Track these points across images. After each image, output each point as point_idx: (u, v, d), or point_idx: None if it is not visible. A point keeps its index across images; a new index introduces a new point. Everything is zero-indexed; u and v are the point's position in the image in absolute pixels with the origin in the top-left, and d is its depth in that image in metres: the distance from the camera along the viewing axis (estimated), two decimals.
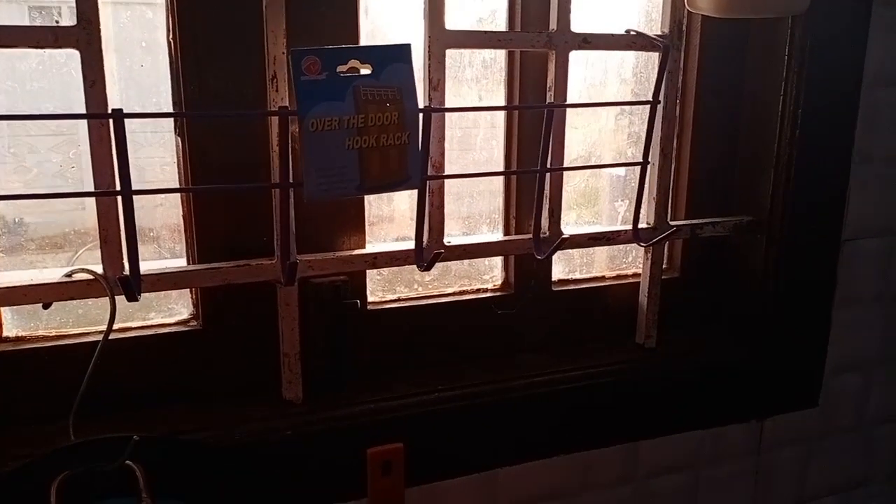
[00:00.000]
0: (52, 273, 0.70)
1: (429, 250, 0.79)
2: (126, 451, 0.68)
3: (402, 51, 0.67)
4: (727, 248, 1.01)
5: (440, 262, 0.80)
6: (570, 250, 0.97)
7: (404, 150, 0.69)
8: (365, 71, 0.66)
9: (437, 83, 0.74)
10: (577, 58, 0.91)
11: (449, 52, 0.81)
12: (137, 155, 0.81)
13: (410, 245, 0.78)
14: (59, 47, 0.63)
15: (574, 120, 0.91)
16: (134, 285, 0.65)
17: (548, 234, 0.85)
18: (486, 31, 0.75)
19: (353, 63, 0.66)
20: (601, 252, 1.02)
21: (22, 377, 0.74)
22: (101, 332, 0.77)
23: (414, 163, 0.69)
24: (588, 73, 0.91)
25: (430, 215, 0.79)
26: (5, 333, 0.75)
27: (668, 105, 0.85)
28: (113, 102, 0.65)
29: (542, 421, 0.88)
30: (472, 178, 0.87)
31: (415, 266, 0.89)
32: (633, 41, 0.80)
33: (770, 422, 1.02)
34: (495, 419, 0.86)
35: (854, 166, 0.94)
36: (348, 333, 0.83)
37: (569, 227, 0.88)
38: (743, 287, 1.00)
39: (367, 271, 0.86)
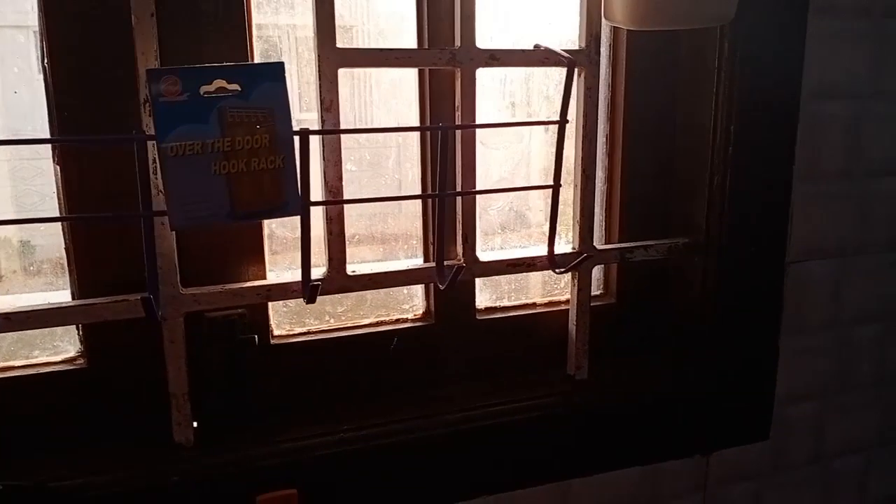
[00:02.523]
0: None
1: (329, 280, 0.75)
2: None
3: (275, 69, 0.62)
4: (666, 272, 0.96)
5: (338, 293, 0.76)
6: (497, 277, 0.92)
7: (279, 175, 0.64)
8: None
9: (329, 104, 0.70)
10: (497, 75, 0.87)
11: (354, 72, 0.77)
12: (25, 185, 0.77)
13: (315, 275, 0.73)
14: None
15: (493, 140, 0.86)
16: None
17: (462, 260, 0.80)
18: (381, 49, 0.71)
19: (220, 83, 0.61)
20: (535, 277, 0.97)
21: None
22: None
23: (291, 188, 0.65)
24: (510, 90, 0.87)
25: (330, 243, 0.74)
26: None
27: (588, 124, 0.80)
28: None
29: (462, 461, 0.82)
30: (363, 202, 0.82)
31: (327, 297, 0.84)
32: (544, 57, 0.75)
33: (717, 456, 0.95)
34: (410, 461, 0.80)
35: (797, 183, 0.89)
36: (245, 370, 0.78)
37: (488, 253, 0.83)
38: (683, 314, 0.94)
39: (271, 304, 0.81)
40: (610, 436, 0.89)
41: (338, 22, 0.69)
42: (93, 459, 0.72)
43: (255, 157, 0.63)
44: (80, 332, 0.76)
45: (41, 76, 0.68)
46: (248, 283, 0.73)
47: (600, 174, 0.92)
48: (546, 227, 0.91)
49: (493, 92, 0.86)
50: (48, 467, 0.70)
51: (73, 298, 0.73)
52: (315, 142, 0.72)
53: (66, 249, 0.73)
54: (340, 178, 0.72)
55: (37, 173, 0.75)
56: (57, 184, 0.71)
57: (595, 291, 0.97)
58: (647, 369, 0.93)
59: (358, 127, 0.82)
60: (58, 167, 0.71)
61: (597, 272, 0.98)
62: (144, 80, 0.64)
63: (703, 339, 0.92)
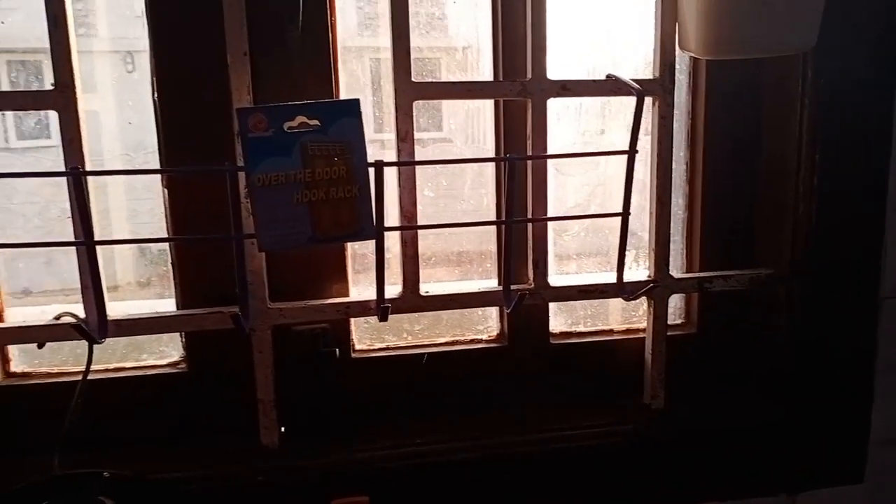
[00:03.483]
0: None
1: (403, 300, 0.79)
2: (96, 488, 0.72)
3: (351, 106, 0.67)
4: (751, 304, 0.93)
5: (411, 312, 0.80)
6: (572, 302, 0.93)
7: (355, 203, 0.69)
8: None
9: (404, 134, 0.74)
10: (572, 104, 0.88)
11: (434, 104, 0.81)
12: (141, 206, 0.87)
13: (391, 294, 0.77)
14: (39, 109, 0.69)
15: (568, 168, 0.88)
16: (98, 330, 0.70)
17: (532, 285, 0.82)
18: (454, 82, 0.75)
19: (302, 119, 0.67)
20: (615, 304, 0.97)
21: (24, 410, 0.80)
22: (99, 369, 0.83)
23: (366, 214, 0.69)
24: (586, 119, 0.88)
25: (404, 265, 0.78)
26: (13, 369, 0.82)
27: (663, 152, 0.80)
28: (107, 156, 0.70)
29: (530, 483, 0.84)
30: (434, 228, 0.85)
31: (405, 315, 0.89)
32: (615, 87, 0.77)
33: (805, 497, 0.91)
34: (478, 478, 0.82)
35: (892, 214, 0.84)
36: (328, 381, 0.83)
37: (560, 277, 0.84)
38: (767, 347, 0.91)
39: (353, 320, 0.86)
40: (685, 467, 0.87)
41: (427, 54, 0.74)
42: (188, 455, 0.80)
43: (334, 186, 0.68)
44: (183, 339, 0.84)
45: (152, 109, 0.78)
46: (329, 301, 0.79)
47: (680, 202, 0.91)
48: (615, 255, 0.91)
49: (570, 119, 0.88)
50: (149, 459, 0.78)
51: (177, 309, 0.82)
52: (393, 170, 0.77)
53: (172, 264, 0.81)
54: (415, 205, 0.76)
55: (149, 196, 0.85)
56: (165, 205, 0.80)
57: (676, 320, 0.96)
58: (728, 402, 0.91)
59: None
60: (166, 190, 0.79)
61: (678, 301, 0.96)
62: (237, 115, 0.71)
63: (788, 374, 0.89)
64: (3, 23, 0.75)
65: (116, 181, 0.86)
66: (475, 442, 0.83)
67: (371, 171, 0.68)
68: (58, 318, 0.74)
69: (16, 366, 0.82)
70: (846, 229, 0.84)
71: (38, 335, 0.73)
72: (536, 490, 0.84)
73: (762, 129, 0.88)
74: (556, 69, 0.77)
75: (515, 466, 0.83)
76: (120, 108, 0.80)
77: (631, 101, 0.72)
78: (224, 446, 0.81)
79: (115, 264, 0.91)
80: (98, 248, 0.68)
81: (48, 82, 0.70)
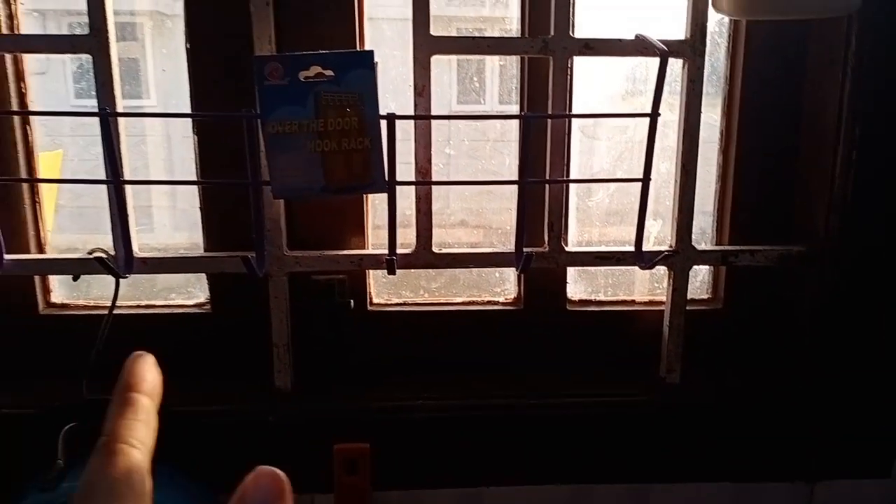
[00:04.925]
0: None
1: (416, 256, 0.80)
2: None
3: (364, 57, 0.68)
4: (782, 281, 0.89)
5: (423, 268, 0.80)
6: (593, 269, 0.92)
7: (367, 155, 0.70)
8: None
9: (421, 89, 0.75)
10: (603, 65, 0.86)
11: (461, 59, 0.81)
12: (178, 151, 0.91)
13: (403, 251, 0.79)
14: (76, 53, 0.72)
15: (596, 131, 0.86)
16: (123, 265, 0.73)
17: (547, 248, 0.81)
18: (473, 37, 0.74)
19: (317, 69, 0.68)
20: (642, 275, 0.96)
21: (61, 338, 0.86)
22: (131, 305, 0.87)
23: (378, 167, 0.70)
24: (616, 80, 0.86)
25: (418, 221, 0.79)
26: (52, 300, 0.87)
27: (690, 118, 0.77)
28: (146, 107, 0.74)
29: (537, 445, 0.84)
30: (447, 185, 0.85)
31: (422, 272, 0.90)
32: (641, 47, 0.74)
33: (823, 486, 0.88)
34: (483, 436, 0.83)
35: None
36: (342, 331, 0.86)
37: (580, 244, 0.83)
38: (795, 327, 0.88)
39: (371, 273, 0.88)
40: (697, 445, 0.85)
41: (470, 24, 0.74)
42: (207, 391, 0.84)
43: (346, 137, 0.69)
44: (209, 282, 0.88)
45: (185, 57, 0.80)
46: (343, 252, 0.81)
47: (713, 172, 0.88)
48: (649, 222, 0.89)
49: (598, 85, 0.86)
50: (170, 392, 0.82)
51: (204, 252, 0.85)
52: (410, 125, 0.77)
53: (200, 209, 0.85)
54: (429, 161, 0.76)
55: (184, 142, 0.88)
56: (195, 152, 0.83)
57: (702, 295, 0.94)
58: (748, 381, 0.88)
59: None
60: (196, 137, 0.82)
61: (706, 276, 0.94)
62: None
63: (814, 358, 0.85)
64: None
65: (155, 131, 0.90)
66: (480, 400, 0.83)
67: (383, 123, 0.69)
68: (90, 253, 0.79)
69: (56, 297, 0.87)
70: (884, 209, 0.79)
71: (72, 268, 0.78)
72: (537, 453, 0.84)
73: (802, 99, 0.83)
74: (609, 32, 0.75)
75: (518, 427, 0.83)
76: (155, 57, 0.83)
77: (674, 67, 0.70)
78: (240, 386, 0.84)
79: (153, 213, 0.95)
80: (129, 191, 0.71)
81: None
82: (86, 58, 0.72)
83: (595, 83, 0.86)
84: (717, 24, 0.84)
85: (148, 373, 0.38)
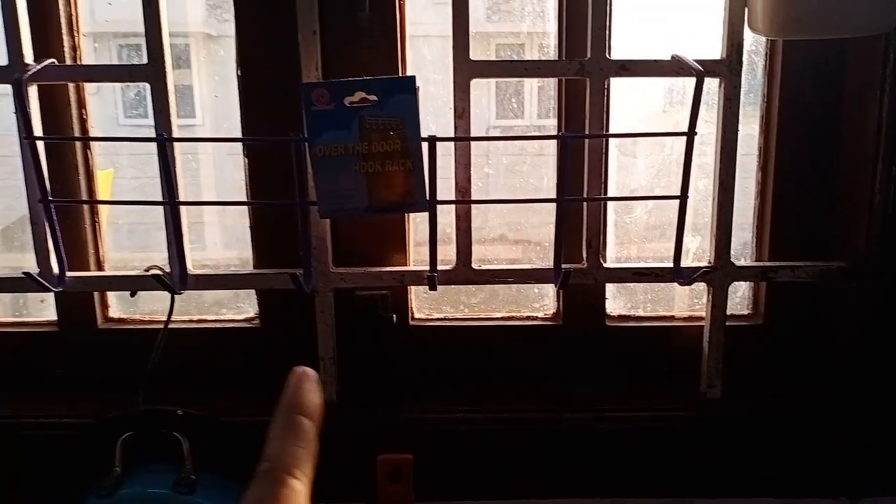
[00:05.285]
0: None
1: (456, 272, 0.82)
2: (172, 423, 0.80)
3: (407, 83, 0.71)
4: (822, 298, 0.89)
5: (463, 284, 0.82)
6: (631, 285, 0.93)
7: (409, 175, 0.72)
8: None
9: (461, 112, 0.77)
10: (639, 85, 0.88)
11: (498, 82, 0.83)
12: (225, 175, 0.95)
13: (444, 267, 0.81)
14: (134, 81, 0.77)
15: (634, 149, 0.87)
16: (178, 282, 0.77)
17: (585, 265, 0.82)
18: (512, 61, 0.76)
19: (361, 94, 0.71)
20: (681, 291, 0.96)
21: (118, 351, 0.90)
22: (184, 319, 0.91)
23: (420, 187, 0.73)
24: (653, 100, 0.87)
25: (458, 238, 0.81)
26: (111, 314, 0.92)
27: (727, 135, 0.78)
28: (196, 126, 0.77)
29: (577, 458, 0.85)
30: (485, 203, 0.87)
31: (463, 287, 0.92)
32: (677, 68, 0.75)
33: (867, 503, 0.87)
34: (527, 448, 0.85)
35: None
36: (385, 345, 0.88)
37: (619, 260, 0.85)
38: (837, 343, 0.87)
39: (413, 290, 0.90)
40: (739, 460, 0.85)
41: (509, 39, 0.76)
42: (254, 402, 0.87)
43: (389, 159, 0.72)
44: (259, 297, 0.91)
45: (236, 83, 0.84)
46: (386, 268, 0.83)
47: (752, 189, 0.89)
48: (688, 237, 0.90)
49: (636, 101, 0.87)
50: (219, 403, 0.86)
51: (253, 268, 0.89)
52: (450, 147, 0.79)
53: (250, 228, 0.88)
54: (469, 180, 0.79)
55: (233, 164, 0.92)
56: (245, 174, 0.86)
57: (742, 311, 0.94)
58: (790, 397, 0.88)
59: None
60: (246, 160, 0.86)
61: (746, 291, 0.94)
62: None
63: (856, 373, 0.85)
64: (110, 3, 0.83)
65: (206, 155, 0.94)
66: (520, 413, 0.85)
67: (425, 145, 0.72)
68: (147, 270, 0.83)
69: (113, 312, 0.91)
70: None
71: (130, 284, 0.82)
72: (577, 466, 0.85)
73: (841, 116, 0.83)
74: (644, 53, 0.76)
75: (558, 440, 0.85)
76: (208, 83, 0.87)
77: (712, 84, 0.71)
78: None
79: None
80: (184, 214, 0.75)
81: None
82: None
83: (633, 100, 0.87)
84: (754, 42, 0.84)
85: (311, 393, 0.36)
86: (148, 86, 0.76)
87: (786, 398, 0.87)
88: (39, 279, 0.77)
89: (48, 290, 0.79)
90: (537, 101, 0.95)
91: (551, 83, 0.89)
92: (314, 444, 0.34)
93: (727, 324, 0.84)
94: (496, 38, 0.97)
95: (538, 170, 0.88)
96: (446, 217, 0.90)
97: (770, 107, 0.85)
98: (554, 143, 0.87)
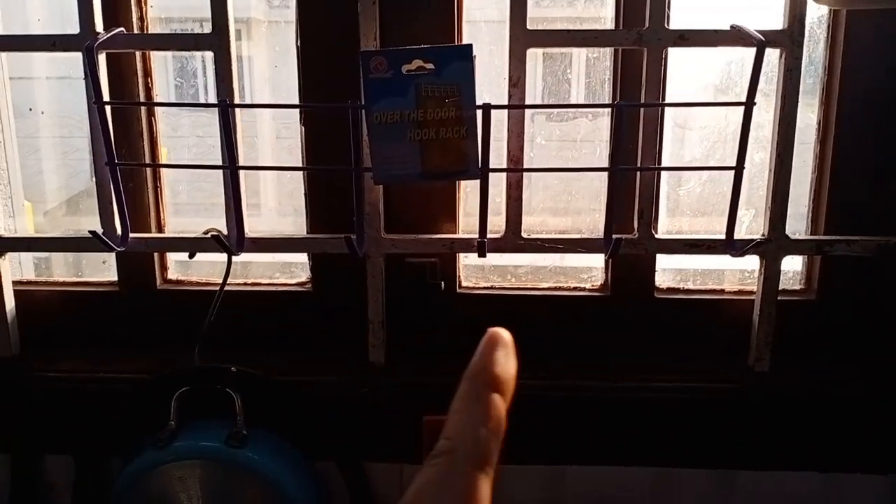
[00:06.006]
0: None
1: (505, 240, 0.83)
2: (226, 381, 0.83)
3: (463, 51, 0.71)
4: (879, 273, 0.87)
5: (512, 252, 0.83)
6: (682, 256, 0.93)
7: (462, 143, 0.73)
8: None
9: (516, 80, 0.77)
10: (697, 61, 0.87)
11: (547, 60, 0.83)
12: (283, 142, 0.97)
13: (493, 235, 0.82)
14: (198, 50, 0.79)
15: (690, 121, 0.87)
16: (236, 245, 0.80)
17: (636, 235, 0.82)
18: (568, 30, 0.76)
19: (418, 62, 0.72)
20: (733, 264, 0.95)
21: (176, 311, 0.93)
22: (238, 283, 0.94)
23: (473, 155, 0.74)
24: (714, 72, 0.86)
25: (508, 207, 0.82)
26: (169, 276, 0.95)
27: (786, 107, 0.77)
28: (257, 95, 0.79)
29: (621, 427, 0.86)
30: (538, 171, 0.87)
31: (510, 259, 0.93)
32: (737, 37, 0.74)
33: None
34: (572, 416, 0.86)
35: None
36: (433, 311, 0.90)
37: (669, 233, 0.84)
38: (891, 319, 0.86)
39: (462, 258, 0.91)
40: (785, 433, 0.85)
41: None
42: (305, 363, 0.90)
43: (444, 126, 0.73)
44: (311, 262, 0.93)
45: (295, 54, 0.86)
46: (436, 235, 0.85)
47: (810, 163, 0.87)
48: (742, 211, 0.89)
49: (692, 79, 0.86)
50: (271, 363, 0.88)
51: (307, 233, 0.91)
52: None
53: (304, 194, 0.90)
54: (521, 149, 0.79)
55: (291, 133, 0.94)
56: (301, 141, 0.88)
57: (795, 286, 0.93)
58: (839, 373, 0.87)
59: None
60: (303, 127, 0.88)
61: (800, 266, 0.93)
62: None
63: None
64: None
65: (265, 123, 0.96)
66: (565, 381, 0.86)
67: (479, 113, 0.72)
68: (206, 232, 0.85)
69: (172, 274, 0.95)
70: None
71: (189, 246, 0.85)
72: (621, 435, 0.86)
73: None
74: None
75: (602, 410, 0.85)
76: (268, 53, 0.88)
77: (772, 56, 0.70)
78: (337, 359, 0.90)
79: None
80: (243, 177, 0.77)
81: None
82: (186, 58, 0.78)
83: (688, 79, 0.86)
84: (816, 17, 0.82)
85: (507, 362, 0.30)
86: (210, 54, 0.78)
87: (836, 373, 0.87)
88: (104, 238, 0.80)
89: (112, 250, 0.82)
90: (584, 84, 0.94)
91: (602, 63, 0.88)
92: (503, 427, 0.29)
93: (779, 299, 0.83)
94: (549, 24, 0.96)
95: (585, 157, 0.88)
96: (494, 188, 0.91)
97: (831, 80, 0.83)
98: (601, 128, 0.87)
